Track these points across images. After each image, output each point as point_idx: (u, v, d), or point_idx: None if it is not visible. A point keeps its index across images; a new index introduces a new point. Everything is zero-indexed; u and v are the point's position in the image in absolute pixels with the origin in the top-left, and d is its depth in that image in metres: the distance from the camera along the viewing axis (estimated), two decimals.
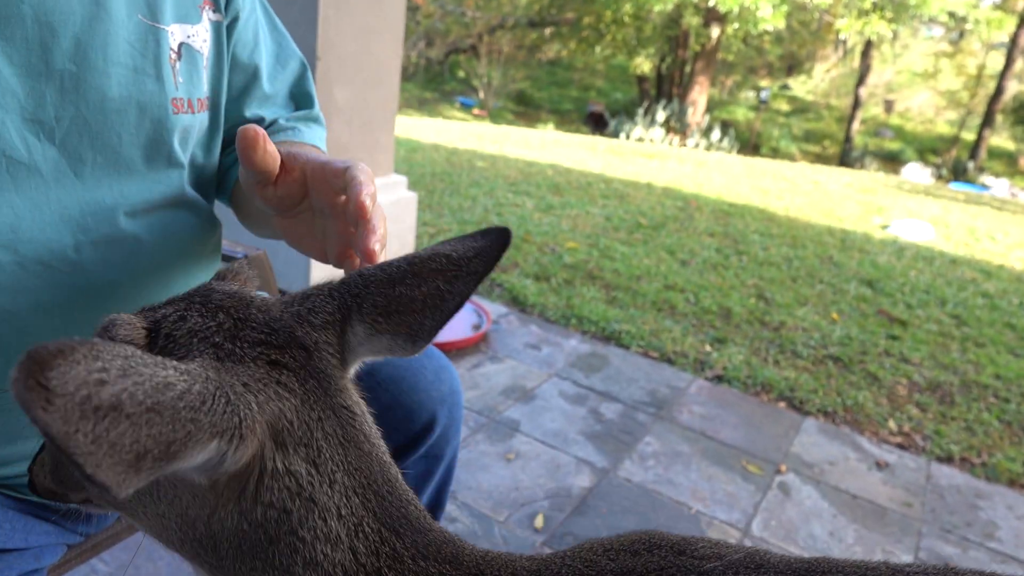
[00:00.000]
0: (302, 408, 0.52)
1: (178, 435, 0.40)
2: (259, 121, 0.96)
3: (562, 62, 23.82)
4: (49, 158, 0.72)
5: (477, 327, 2.90)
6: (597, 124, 19.29)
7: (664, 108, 16.97)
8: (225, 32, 0.88)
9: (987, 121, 19.36)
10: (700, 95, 18.32)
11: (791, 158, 20.29)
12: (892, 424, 2.76)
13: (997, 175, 20.54)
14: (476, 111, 21.05)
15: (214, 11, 0.86)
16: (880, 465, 2.44)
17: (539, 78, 24.41)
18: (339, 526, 0.52)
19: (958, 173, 18.51)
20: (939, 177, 19.23)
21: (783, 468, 2.33)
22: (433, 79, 23.37)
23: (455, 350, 2.74)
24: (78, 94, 0.72)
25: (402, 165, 5.69)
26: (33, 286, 0.74)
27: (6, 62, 0.67)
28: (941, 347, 3.54)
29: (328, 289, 0.59)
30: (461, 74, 23.22)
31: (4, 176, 0.70)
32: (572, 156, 7.38)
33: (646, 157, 8.07)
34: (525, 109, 21.98)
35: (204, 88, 0.86)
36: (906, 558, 1.99)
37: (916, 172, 20.76)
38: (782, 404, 2.78)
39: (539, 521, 1.94)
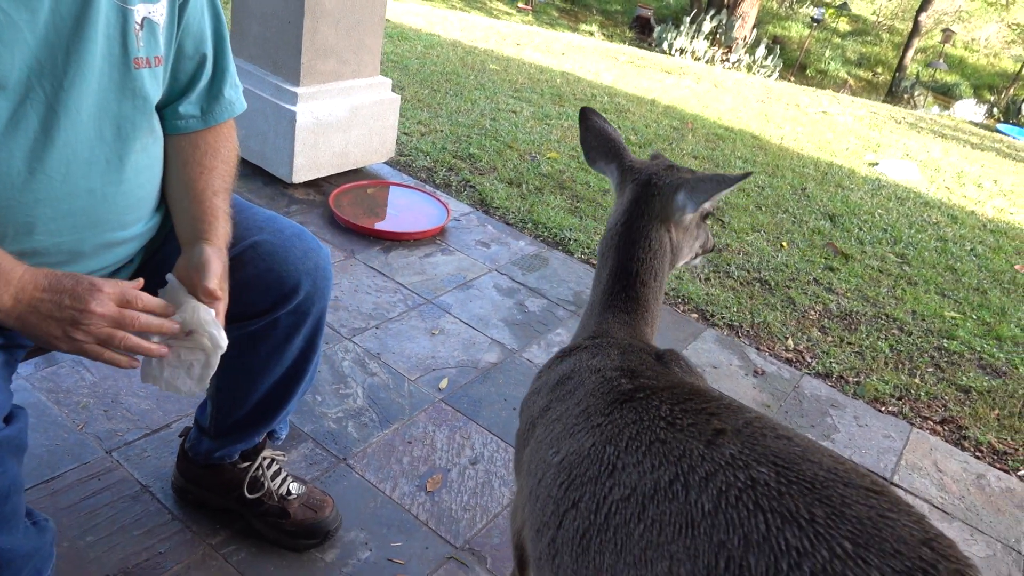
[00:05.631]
0: None
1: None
2: (197, 116, 1.33)
3: None
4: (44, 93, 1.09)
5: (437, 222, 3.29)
6: (643, 29, 18.77)
7: (711, 19, 16.47)
8: (178, 10, 1.24)
9: None
10: (752, 7, 17.66)
11: (840, 83, 19.69)
12: (790, 342, 3.12)
13: None
14: (521, 5, 20.58)
15: None
16: (757, 373, 2.83)
17: None
18: None
19: (1009, 114, 17.86)
20: (990, 116, 18.56)
21: None
22: None
23: (413, 240, 3.14)
24: (78, 54, 1.09)
25: (415, 62, 5.93)
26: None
27: (31, 33, 1.04)
28: (873, 282, 3.84)
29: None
30: None
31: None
32: (589, 65, 7.50)
33: (664, 72, 8.13)
34: (572, 7, 21.41)
35: (161, 49, 1.22)
36: None
37: (969, 109, 19.99)
38: (695, 316, 3.15)
39: (443, 383, 2.39)
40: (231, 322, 1.45)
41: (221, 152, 1.34)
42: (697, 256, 1.46)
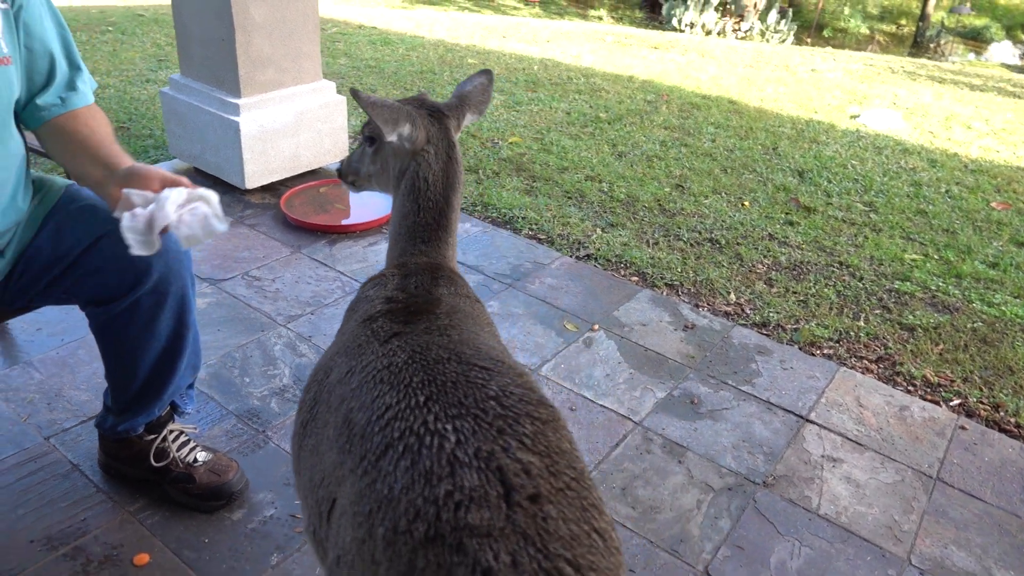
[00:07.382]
0: (439, 134, 1.35)
1: (398, 116, 1.29)
2: (58, 103, 1.54)
3: None
4: None
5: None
6: (652, 8, 18.65)
7: None
8: (14, 17, 1.44)
9: None
10: None
11: (864, 40, 19.17)
12: (732, 296, 3.18)
13: None
14: None
15: (3, 1, 1.42)
16: (687, 327, 2.90)
17: None
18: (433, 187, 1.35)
19: None
20: None
21: (596, 327, 2.84)
22: None
23: (359, 231, 3.31)
24: None
25: (392, 64, 6.11)
26: None
27: None
28: (833, 232, 3.85)
29: (456, 105, 1.41)
30: None
31: None
32: (571, 49, 7.57)
33: (651, 48, 8.14)
34: None
35: (4, 49, 1.42)
36: (659, 394, 2.50)
37: (1006, 52, 19.23)
38: (635, 279, 3.24)
39: None
40: (96, 306, 1.63)
41: (97, 117, 1.58)
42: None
